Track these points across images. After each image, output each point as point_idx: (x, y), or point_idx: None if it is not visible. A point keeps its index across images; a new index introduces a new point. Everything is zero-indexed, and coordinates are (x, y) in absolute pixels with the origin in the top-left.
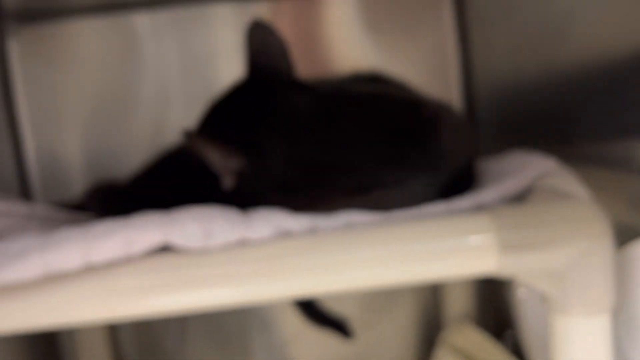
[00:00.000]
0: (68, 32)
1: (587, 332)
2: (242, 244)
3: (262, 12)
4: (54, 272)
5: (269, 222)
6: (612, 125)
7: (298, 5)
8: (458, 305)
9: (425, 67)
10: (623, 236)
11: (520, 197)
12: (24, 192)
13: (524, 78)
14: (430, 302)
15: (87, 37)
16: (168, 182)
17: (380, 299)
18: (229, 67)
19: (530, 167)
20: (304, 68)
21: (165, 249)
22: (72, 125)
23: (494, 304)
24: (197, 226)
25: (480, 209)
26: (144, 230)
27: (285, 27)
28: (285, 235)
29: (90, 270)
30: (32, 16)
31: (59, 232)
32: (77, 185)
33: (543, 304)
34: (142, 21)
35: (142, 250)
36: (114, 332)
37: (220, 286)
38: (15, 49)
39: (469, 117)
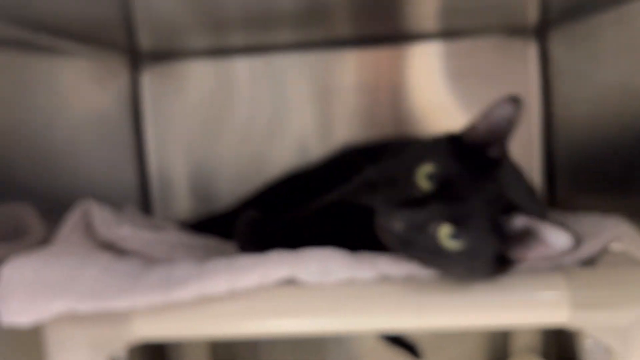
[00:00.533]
0: (185, 70)
1: None
2: (351, 282)
3: (346, 61)
4: (206, 296)
5: (374, 266)
6: None
7: (384, 56)
8: (526, 337)
9: None
10: None
11: (593, 258)
12: (145, 206)
13: (603, 133)
14: (498, 331)
15: (199, 75)
16: (318, 224)
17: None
18: (309, 111)
19: (606, 230)
20: (388, 117)
21: (291, 281)
22: (181, 149)
23: (560, 342)
24: (316, 265)
25: (557, 268)
26: (276, 267)
27: (371, 76)
28: (385, 278)
29: (233, 294)
30: (160, 55)
31: (211, 262)
32: (182, 202)
33: (607, 356)
34: (241, 66)
35: (274, 281)
36: None
37: (328, 316)
38: (146, 82)
39: (548, 168)
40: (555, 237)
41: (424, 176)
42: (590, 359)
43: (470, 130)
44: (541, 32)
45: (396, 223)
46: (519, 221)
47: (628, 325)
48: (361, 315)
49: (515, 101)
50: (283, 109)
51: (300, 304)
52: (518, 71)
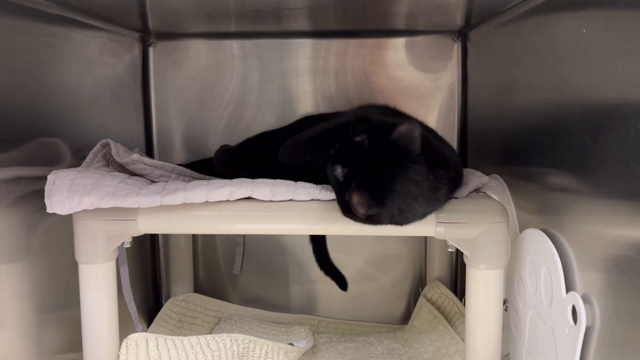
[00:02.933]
0: (187, 48)
1: (487, 281)
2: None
3: (332, 48)
4: (189, 202)
5: (308, 191)
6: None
7: (365, 46)
8: (436, 270)
9: (442, 96)
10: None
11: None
12: (148, 154)
13: (502, 116)
14: (417, 266)
15: (198, 54)
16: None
17: (382, 261)
18: (296, 86)
19: (475, 180)
20: (364, 93)
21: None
22: (183, 113)
23: (462, 274)
24: (268, 189)
25: None
26: (239, 188)
27: (351, 61)
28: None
29: (209, 204)
30: (166, 35)
31: (194, 182)
32: (178, 154)
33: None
34: (234, 45)
35: (237, 196)
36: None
37: (274, 222)
38: (152, 56)
39: (463, 139)
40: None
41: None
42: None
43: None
44: (464, 34)
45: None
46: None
47: (474, 237)
48: (294, 223)
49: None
50: (266, 82)
51: (255, 212)
52: (448, 63)
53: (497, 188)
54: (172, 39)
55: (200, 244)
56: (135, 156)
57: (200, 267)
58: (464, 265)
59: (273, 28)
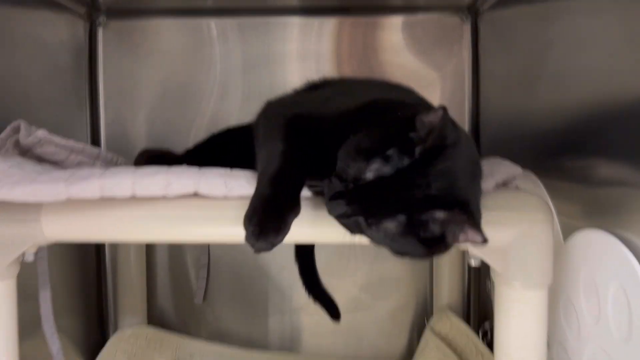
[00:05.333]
0: (148, 29)
1: (526, 305)
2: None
3: (325, 27)
4: (107, 195)
5: None
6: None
7: (359, 25)
8: (445, 296)
9: (448, 86)
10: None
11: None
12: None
13: (514, 103)
14: (421, 292)
15: (163, 35)
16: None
17: (379, 286)
18: (284, 71)
19: (504, 169)
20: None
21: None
22: (141, 106)
23: (478, 300)
24: (221, 181)
25: None
26: (180, 177)
27: (346, 42)
28: None
29: (136, 200)
30: (120, 12)
31: (119, 169)
32: (134, 156)
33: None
34: (212, 25)
35: (177, 192)
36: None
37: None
38: (101, 38)
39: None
40: (473, 235)
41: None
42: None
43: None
44: (474, 11)
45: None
46: (438, 215)
47: (507, 243)
48: None
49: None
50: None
51: (203, 213)
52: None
53: (526, 186)
54: (129, 17)
55: (158, 262)
56: (41, 133)
57: (157, 292)
58: (479, 288)
59: (256, 3)
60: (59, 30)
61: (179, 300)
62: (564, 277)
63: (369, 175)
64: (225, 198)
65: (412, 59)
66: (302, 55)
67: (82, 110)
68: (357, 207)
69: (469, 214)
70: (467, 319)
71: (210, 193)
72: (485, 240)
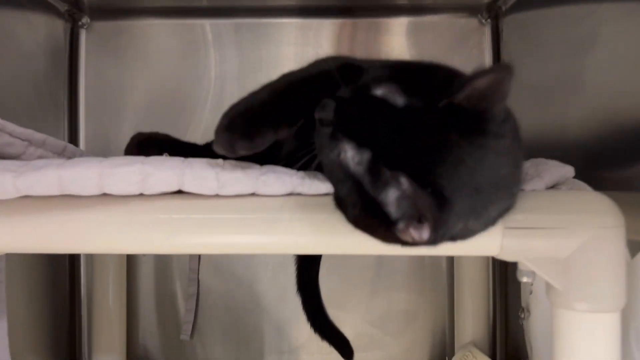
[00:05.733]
0: (136, 30)
1: (594, 333)
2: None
3: (325, 29)
4: (69, 191)
5: (282, 180)
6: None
7: (361, 28)
8: (469, 331)
9: None
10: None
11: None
12: None
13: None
14: (439, 325)
15: (153, 37)
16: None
17: (392, 319)
18: None
19: (554, 170)
20: None
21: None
22: (127, 116)
23: (506, 334)
24: (212, 174)
25: None
26: (158, 169)
27: (346, 44)
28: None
29: (106, 200)
30: (105, 12)
31: (83, 158)
32: None
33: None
34: (207, 27)
35: (157, 188)
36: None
37: (225, 233)
38: (84, 40)
39: None
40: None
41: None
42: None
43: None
44: (495, 12)
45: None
46: (403, 182)
47: (569, 254)
48: (262, 234)
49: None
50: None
51: (193, 215)
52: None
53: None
54: (115, 17)
55: (141, 289)
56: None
57: (139, 325)
58: (508, 321)
59: (252, 2)
60: (35, 30)
61: (163, 336)
62: (634, 298)
63: (377, 92)
64: (217, 196)
65: None
66: (301, 60)
67: (59, 120)
68: (341, 116)
69: (438, 206)
70: (493, 357)
71: (197, 189)
72: (426, 239)
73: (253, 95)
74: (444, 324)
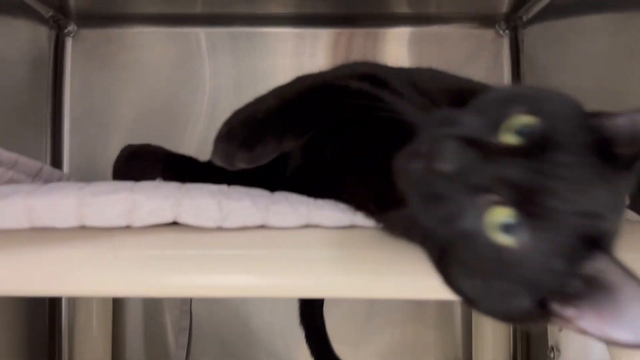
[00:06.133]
0: (127, 38)
1: None
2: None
3: (321, 39)
4: (40, 223)
5: (298, 212)
6: None
7: (359, 38)
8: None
9: None
10: None
11: None
12: None
13: None
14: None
15: (144, 46)
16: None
17: (402, 354)
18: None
19: None
20: None
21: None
22: (115, 129)
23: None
24: (214, 204)
25: None
26: (151, 198)
27: (342, 55)
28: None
29: (86, 234)
30: (93, 19)
31: (62, 184)
32: None
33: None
34: (202, 36)
35: (148, 220)
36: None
37: (227, 272)
38: (70, 49)
39: None
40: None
41: (513, 126)
42: None
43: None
44: (514, 23)
45: (448, 156)
46: (600, 264)
47: None
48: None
49: None
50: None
51: (192, 251)
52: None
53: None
54: (104, 24)
55: (129, 323)
56: None
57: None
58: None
59: (248, 9)
60: (17, 36)
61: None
62: None
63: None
64: (220, 228)
65: None
66: (299, 70)
67: (40, 134)
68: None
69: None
70: None
71: (196, 221)
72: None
73: (259, 101)
74: (457, 355)
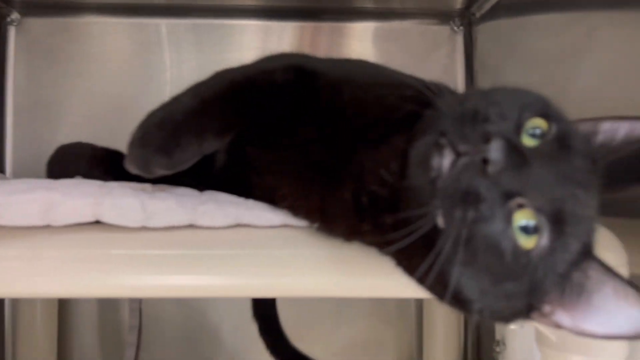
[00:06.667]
0: (77, 28)
1: None
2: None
3: (287, 32)
4: None
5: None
6: None
7: (325, 32)
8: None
9: None
10: None
11: None
12: None
13: None
14: (407, 358)
15: (97, 36)
16: None
17: (355, 351)
18: None
19: None
20: None
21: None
22: (65, 124)
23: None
24: (137, 204)
25: None
26: (69, 194)
27: (308, 49)
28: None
29: (6, 233)
30: (39, 7)
31: None
32: None
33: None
34: (162, 27)
35: (67, 219)
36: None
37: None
38: (13, 39)
39: None
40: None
41: (529, 128)
42: None
43: (589, 124)
44: (468, 19)
45: (498, 155)
46: (586, 265)
47: None
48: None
49: None
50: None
51: (115, 251)
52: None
53: None
54: (51, 13)
55: (75, 320)
56: None
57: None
58: (481, 351)
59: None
60: None
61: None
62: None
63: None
64: (144, 228)
65: None
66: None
67: None
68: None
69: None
70: None
71: (119, 221)
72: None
73: (176, 100)
74: (411, 355)
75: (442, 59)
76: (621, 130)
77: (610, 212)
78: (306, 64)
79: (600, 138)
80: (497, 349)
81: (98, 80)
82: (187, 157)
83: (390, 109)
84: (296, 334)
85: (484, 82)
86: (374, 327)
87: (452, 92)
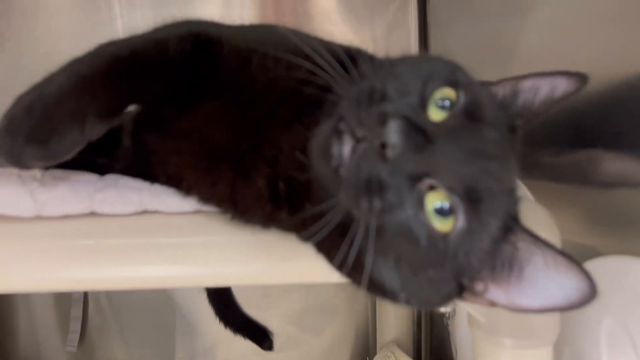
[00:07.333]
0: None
1: None
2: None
3: None
4: None
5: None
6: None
7: None
8: (392, 329)
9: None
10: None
11: None
12: None
13: None
14: (362, 323)
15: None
16: None
17: (311, 316)
18: None
19: None
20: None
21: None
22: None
23: (431, 333)
24: (27, 195)
25: None
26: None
27: (271, 11)
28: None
29: None
30: None
31: None
32: None
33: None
34: None
35: None
36: None
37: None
38: None
39: None
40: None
41: (435, 100)
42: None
43: (509, 85)
44: None
45: (396, 139)
46: (515, 237)
47: None
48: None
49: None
50: None
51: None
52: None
53: None
54: None
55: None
56: None
57: (19, 333)
58: (433, 319)
59: None
60: None
61: (49, 344)
62: (578, 328)
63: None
64: (39, 217)
65: (347, 29)
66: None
67: None
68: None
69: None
70: (417, 356)
71: (8, 211)
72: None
73: (47, 80)
74: (367, 321)
75: (396, 13)
76: (542, 89)
77: (538, 175)
78: (208, 31)
79: (521, 99)
80: (447, 316)
81: (34, 37)
82: (67, 146)
83: (304, 83)
84: (251, 301)
85: (436, 36)
86: (328, 291)
87: (371, 60)
